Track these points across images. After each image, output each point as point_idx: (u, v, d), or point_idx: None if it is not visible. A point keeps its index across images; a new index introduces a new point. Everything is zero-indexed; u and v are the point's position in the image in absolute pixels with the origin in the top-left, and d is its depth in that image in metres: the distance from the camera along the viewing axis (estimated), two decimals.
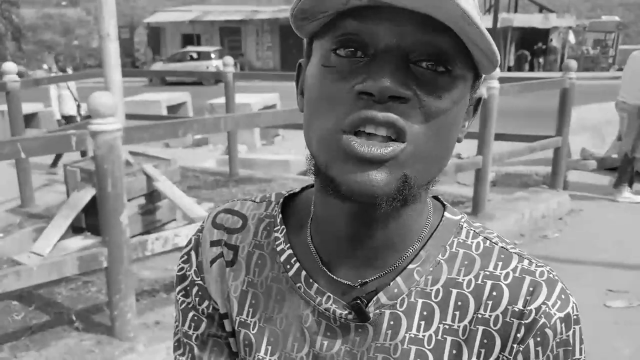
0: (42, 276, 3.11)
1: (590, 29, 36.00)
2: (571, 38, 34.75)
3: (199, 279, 0.90)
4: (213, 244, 0.88)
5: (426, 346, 0.75)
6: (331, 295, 0.78)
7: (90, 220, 4.88)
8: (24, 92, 6.20)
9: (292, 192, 0.91)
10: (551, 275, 0.76)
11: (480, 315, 0.74)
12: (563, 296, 0.74)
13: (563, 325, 0.73)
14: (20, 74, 6.42)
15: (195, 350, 0.91)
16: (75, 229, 5.01)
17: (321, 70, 0.69)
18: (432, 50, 0.65)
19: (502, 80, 5.76)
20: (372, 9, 0.64)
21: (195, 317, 0.91)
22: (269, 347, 0.82)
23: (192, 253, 0.91)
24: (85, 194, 4.72)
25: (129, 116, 6.16)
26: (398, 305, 0.76)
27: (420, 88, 0.65)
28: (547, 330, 0.72)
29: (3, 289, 3.05)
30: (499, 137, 6.16)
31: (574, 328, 0.74)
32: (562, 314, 0.73)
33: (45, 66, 10.32)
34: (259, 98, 10.71)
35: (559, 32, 34.25)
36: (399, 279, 0.76)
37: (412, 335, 0.75)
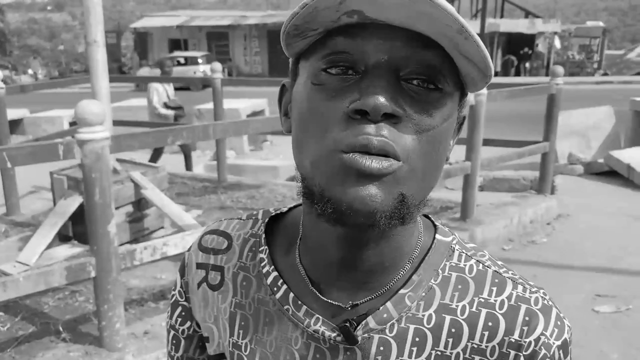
0: (28, 287, 3.07)
1: (575, 34, 36.37)
2: (557, 43, 35.14)
3: (183, 299, 0.91)
4: (199, 266, 0.88)
5: None
6: (320, 317, 0.77)
7: (78, 228, 4.84)
8: (9, 98, 6.15)
9: (279, 211, 0.90)
10: (545, 302, 0.76)
11: (476, 345, 0.74)
12: (559, 323, 0.75)
13: (561, 352, 0.74)
14: (4, 80, 6.36)
15: None
16: (62, 237, 4.96)
17: (311, 89, 0.68)
18: (423, 67, 0.65)
19: (489, 85, 5.77)
20: (361, 26, 0.64)
21: (175, 339, 0.93)
22: None
23: (178, 274, 0.92)
24: (73, 202, 4.68)
25: (116, 122, 6.11)
26: (387, 331, 0.75)
27: (412, 105, 0.65)
28: None
29: None
30: (487, 142, 6.18)
31: (570, 350, 0.76)
32: (559, 342, 0.74)
33: (30, 71, 10.28)
34: (248, 103, 10.70)
35: (544, 37, 34.58)
36: (389, 304, 0.75)
37: None
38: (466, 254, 0.80)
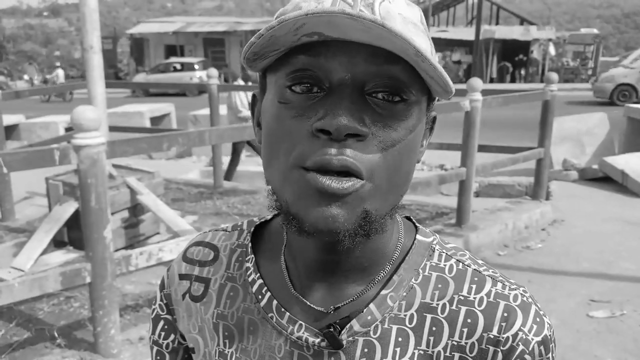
0: (23, 292, 3.06)
1: (570, 41, 36.53)
2: (551, 50, 35.32)
3: (165, 312, 0.91)
4: (182, 277, 0.89)
5: None
6: (303, 324, 0.77)
7: (73, 234, 4.84)
8: (4, 104, 6.14)
9: (264, 219, 0.90)
10: (524, 299, 0.76)
11: (455, 342, 0.74)
12: (538, 319, 0.75)
13: (542, 347, 0.74)
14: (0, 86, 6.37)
15: None
16: (57, 243, 4.96)
17: (277, 107, 0.69)
18: (387, 81, 0.65)
19: (484, 92, 5.81)
20: (323, 43, 0.64)
21: (159, 355, 0.93)
22: None
23: (158, 289, 0.93)
24: (68, 208, 4.68)
25: (112, 128, 6.12)
26: (372, 332, 0.75)
27: (377, 121, 0.66)
28: (526, 356, 0.73)
29: None
30: (482, 148, 6.21)
31: (551, 347, 0.75)
32: (539, 338, 0.74)
33: (26, 77, 10.30)
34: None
35: (539, 44, 34.75)
36: (372, 305, 0.76)
37: None
38: (446, 253, 0.81)
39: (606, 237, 5.90)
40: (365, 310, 0.76)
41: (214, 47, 38.23)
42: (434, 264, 0.79)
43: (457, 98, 5.63)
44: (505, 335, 0.73)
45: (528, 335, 0.73)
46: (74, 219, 4.62)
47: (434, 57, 0.68)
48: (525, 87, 23.45)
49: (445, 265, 0.79)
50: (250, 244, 0.86)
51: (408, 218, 0.85)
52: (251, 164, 9.52)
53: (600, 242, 5.75)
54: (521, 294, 0.77)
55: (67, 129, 10.40)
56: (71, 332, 3.73)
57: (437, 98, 0.75)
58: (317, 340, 0.76)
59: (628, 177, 7.47)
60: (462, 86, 5.99)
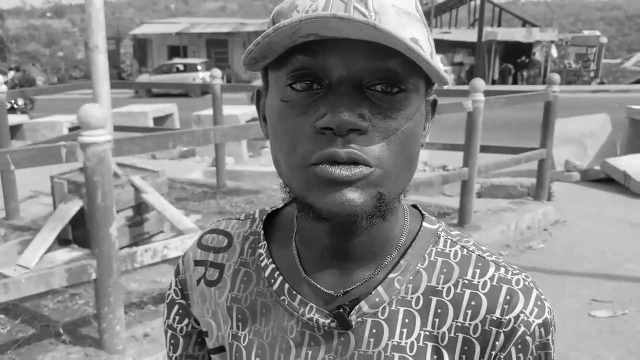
0: (30, 288, 3.09)
1: (572, 43, 36.45)
2: (554, 52, 35.25)
3: (179, 297, 0.94)
4: (197, 263, 0.92)
5: (408, 353, 0.77)
6: (314, 305, 0.80)
7: (78, 232, 4.86)
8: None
9: (275, 208, 0.94)
10: (526, 283, 0.79)
11: (459, 324, 0.77)
12: (539, 302, 0.78)
13: (542, 329, 0.77)
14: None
15: None
16: (61, 241, 4.98)
17: (280, 106, 0.72)
18: (384, 74, 0.68)
19: (487, 93, 5.83)
20: (319, 43, 0.67)
21: (173, 338, 0.95)
22: (257, 359, 0.84)
23: (173, 275, 0.96)
24: (73, 206, 4.71)
25: (117, 128, 6.15)
26: (380, 314, 0.78)
27: (377, 113, 0.68)
28: (527, 337, 0.76)
29: None
30: (484, 149, 6.21)
31: (551, 330, 0.78)
32: (540, 320, 0.76)
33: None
34: (247, 109, 10.74)
35: (541, 46, 34.71)
36: (380, 288, 0.79)
37: (395, 343, 0.78)
38: (451, 240, 0.84)
39: (608, 238, 5.92)
40: (373, 292, 0.79)
41: (217, 48, 38.27)
42: (440, 250, 0.82)
43: (460, 99, 5.64)
44: (507, 317, 0.76)
45: (529, 318, 0.76)
46: (78, 217, 4.65)
47: (430, 43, 0.72)
48: (528, 89, 23.40)
49: (450, 250, 0.82)
50: (262, 232, 0.89)
51: (414, 206, 0.88)
52: (254, 164, 9.55)
53: (602, 243, 5.77)
54: (523, 278, 0.79)
55: (71, 129, 10.43)
56: (76, 329, 3.76)
57: (435, 83, 0.77)
58: (327, 321, 0.79)
59: (630, 178, 7.48)
60: (465, 87, 5.98)
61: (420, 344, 0.78)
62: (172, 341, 0.96)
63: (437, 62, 0.68)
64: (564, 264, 5.26)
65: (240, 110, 10.48)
